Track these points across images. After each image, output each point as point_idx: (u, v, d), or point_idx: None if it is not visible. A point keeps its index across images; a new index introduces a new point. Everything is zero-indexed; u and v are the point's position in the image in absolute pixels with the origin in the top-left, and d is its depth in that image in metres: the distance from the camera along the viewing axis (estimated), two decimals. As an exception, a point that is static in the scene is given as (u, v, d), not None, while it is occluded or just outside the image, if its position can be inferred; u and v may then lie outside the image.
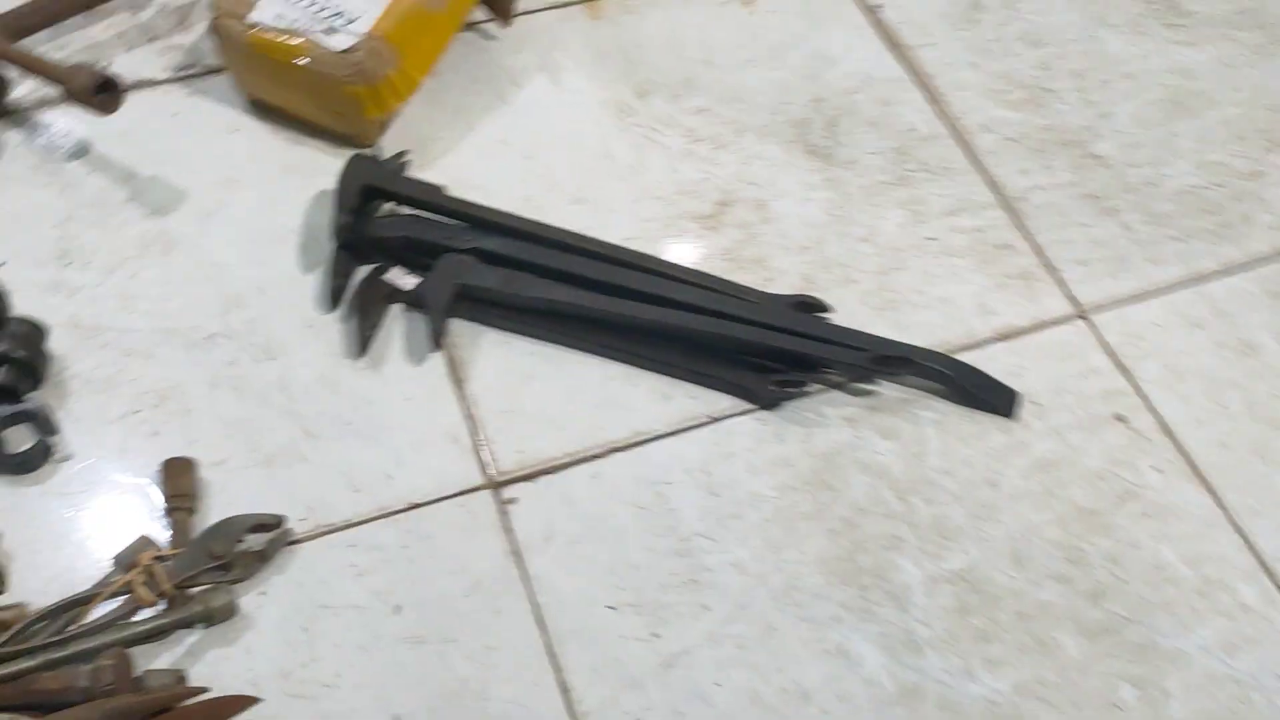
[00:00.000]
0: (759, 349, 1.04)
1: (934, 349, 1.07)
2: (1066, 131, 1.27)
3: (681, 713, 0.89)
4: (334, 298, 1.07)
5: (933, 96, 1.29)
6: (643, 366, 1.06)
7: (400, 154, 1.16)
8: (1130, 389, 1.09)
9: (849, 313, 1.10)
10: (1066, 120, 1.28)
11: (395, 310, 1.08)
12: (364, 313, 1.06)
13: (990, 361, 1.08)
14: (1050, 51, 1.34)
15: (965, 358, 1.08)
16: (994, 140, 1.26)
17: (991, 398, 1.05)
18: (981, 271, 1.15)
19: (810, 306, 1.09)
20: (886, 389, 1.07)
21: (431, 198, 1.11)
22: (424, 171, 1.17)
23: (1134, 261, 1.17)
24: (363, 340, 1.04)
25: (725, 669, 0.91)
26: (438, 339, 1.05)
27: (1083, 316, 1.13)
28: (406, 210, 1.13)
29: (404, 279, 1.08)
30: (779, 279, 1.12)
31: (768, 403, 1.04)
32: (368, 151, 1.17)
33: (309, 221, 1.13)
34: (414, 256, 1.09)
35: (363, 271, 1.09)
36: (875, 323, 1.10)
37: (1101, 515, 1.01)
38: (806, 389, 1.05)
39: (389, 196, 1.12)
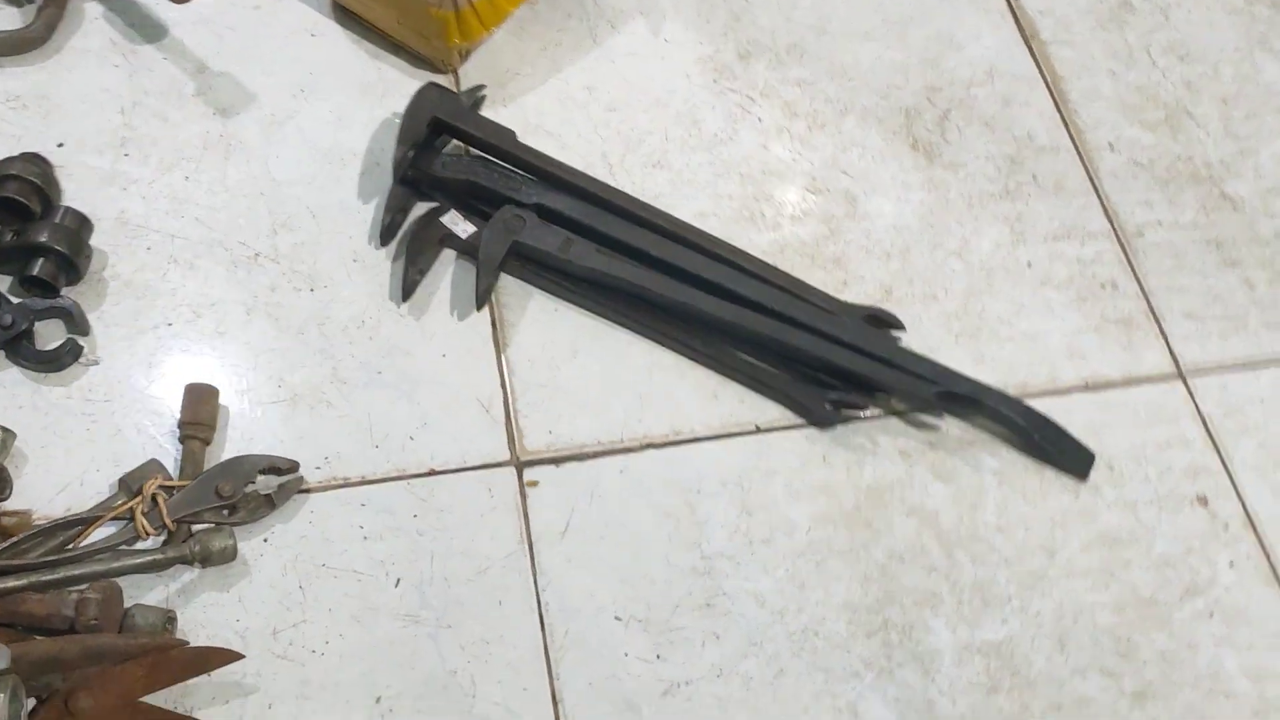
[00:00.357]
0: (821, 363, 0.98)
1: (1009, 392, 0.99)
2: (1201, 164, 1.16)
3: (673, 746, 0.85)
4: (386, 234, 1.02)
5: (1060, 101, 1.18)
6: (693, 359, 1.00)
7: (476, 88, 1.09)
8: (1219, 468, 1.00)
9: (924, 334, 1.03)
10: (1204, 151, 1.17)
11: (447, 257, 1.02)
12: (413, 255, 1.00)
13: (1069, 412, 1.00)
14: (1199, 70, 1.22)
15: (1043, 403, 0.99)
16: (1119, 162, 1.15)
17: (1065, 456, 0.98)
18: (1078, 309, 1.06)
19: (883, 322, 1.02)
20: (950, 425, 0.99)
21: (501, 143, 1.05)
22: (501, 108, 1.10)
23: (1250, 324, 1.08)
24: (408, 284, 0.99)
25: (727, 707, 0.86)
26: (484, 299, 1.00)
27: (1181, 378, 1.04)
28: (474, 152, 1.07)
29: (461, 224, 1.03)
30: (855, 285, 1.05)
31: (821, 421, 0.97)
32: (442, 81, 1.10)
33: (375, 147, 1.07)
34: (475, 203, 1.03)
35: (420, 210, 1.03)
36: (952, 350, 1.02)
37: (1163, 607, 0.93)
38: (864, 412, 0.98)
39: (458, 135, 1.06)
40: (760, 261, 1.02)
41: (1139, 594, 0.94)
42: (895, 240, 1.08)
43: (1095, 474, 0.98)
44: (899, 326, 1.02)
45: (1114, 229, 1.12)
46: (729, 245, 1.03)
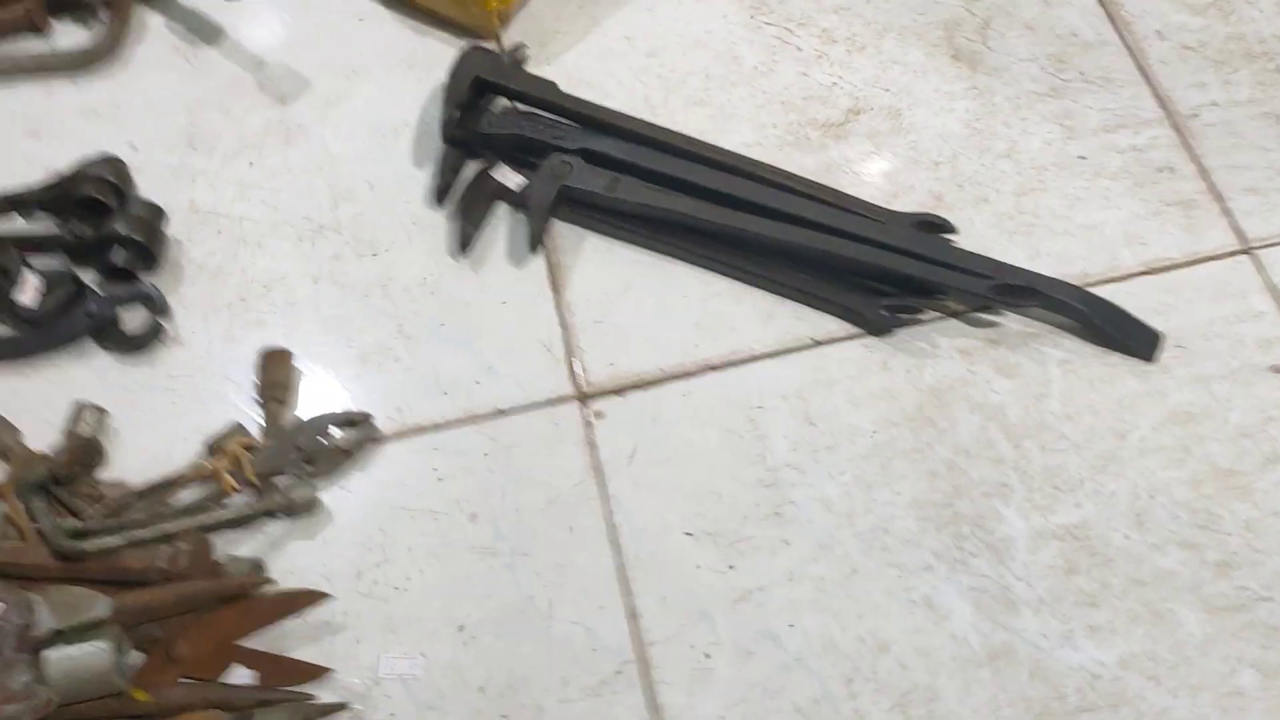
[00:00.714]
0: (873, 270, 0.97)
1: (1068, 280, 0.97)
2: (1255, 41, 1.12)
3: (750, 651, 0.85)
4: (440, 194, 1.05)
5: (1104, -3, 1.16)
6: (748, 282, 1.01)
7: (517, 47, 1.12)
8: (1294, 338, 0.97)
9: (978, 236, 1.02)
10: (1257, 29, 1.13)
11: (501, 210, 1.05)
12: (468, 211, 1.03)
13: (1133, 297, 0.98)
14: (1246, -51, 1.19)
15: (1105, 291, 0.98)
16: (1167, 48, 1.12)
17: (1129, 338, 0.95)
18: (1135, 196, 1.04)
19: (934, 226, 1.01)
20: (1010, 321, 0.98)
21: (544, 94, 1.07)
22: (545, 67, 1.13)
23: (1317, 194, 1.04)
24: (464, 238, 1.02)
25: (800, 610, 0.86)
26: (536, 242, 1.02)
27: (1247, 252, 1.01)
28: (520, 107, 1.09)
29: (512, 177, 1.05)
30: (905, 195, 1.04)
31: (877, 328, 0.97)
32: (483, 44, 1.13)
33: (425, 116, 1.10)
34: (524, 155, 1.06)
35: (472, 168, 1.06)
36: (1007, 248, 1.01)
37: (1242, 477, 0.91)
38: (921, 315, 0.98)
39: (501, 91, 1.08)
40: (806, 180, 1.02)
41: (1217, 466, 0.91)
42: (943, 149, 1.07)
43: (1164, 354, 0.96)
44: (950, 230, 1.00)
45: (1167, 114, 1.09)
46: (773, 168, 1.03)
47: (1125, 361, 0.96)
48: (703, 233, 1.00)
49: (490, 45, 1.14)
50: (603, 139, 1.04)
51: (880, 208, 1.02)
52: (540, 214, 1.01)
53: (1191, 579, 0.87)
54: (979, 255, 0.98)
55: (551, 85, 1.07)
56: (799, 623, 0.86)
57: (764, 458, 0.92)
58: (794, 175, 1.03)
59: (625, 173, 1.02)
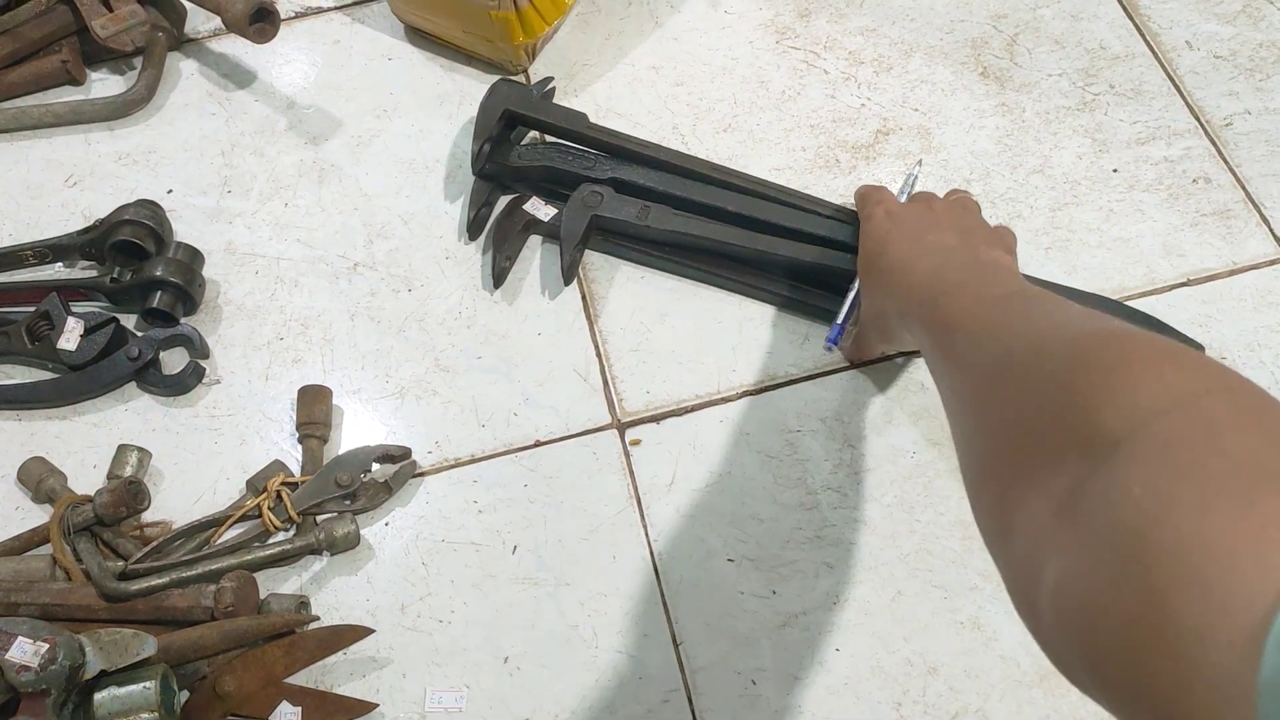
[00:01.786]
0: None
1: (1107, 294, 0.96)
2: (1288, 48, 1.12)
3: (796, 677, 0.84)
4: (473, 228, 1.05)
5: (1130, 9, 1.15)
6: (782, 306, 1.00)
7: (545, 80, 1.12)
8: (1340, 345, 0.95)
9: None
10: (1289, 35, 1.13)
11: (534, 242, 1.05)
12: (500, 243, 1.04)
13: (1171, 309, 0.97)
14: (1274, -44, 1.18)
15: (1143, 304, 0.97)
16: (1198, 59, 1.12)
17: None
18: (1171, 208, 1.03)
19: None
20: (1050, 337, 0.97)
21: (574, 125, 1.07)
22: (574, 99, 1.14)
23: (1358, 198, 1.03)
24: (497, 272, 1.03)
25: (846, 634, 0.86)
26: (570, 274, 1.03)
27: (1289, 260, 1.00)
28: (549, 138, 1.10)
29: (543, 209, 1.05)
30: (938, 214, 1.04)
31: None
32: (512, 77, 1.14)
33: (456, 151, 1.12)
34: (555, 187, 1.06)
35: (503, 201, 1.07)
36: (1043, 263, 1.00)
37: (1291, 488, 0.89)
38: None
39: (530, 123, 1.09)
40: (836, 206, 1.02)
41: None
42: (974, 166, 1.07)
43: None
44: None
45: (1200, 124, 1.08)
46: (803, 194, 1.03)
47: (1167, 374, 0.95)
48: (734, 258, 1.01)
49: (519, 79, 1.15)
50: (632, 168, 1.04)
51: None
52: (573, 246, 1.02)
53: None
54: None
55: (581, 116, 1.08)
56: (845, 646, 0.85)
57: (804, 481, 0.92)
58: (824, 201, 1.03)
59: (656, 201, 1.02)
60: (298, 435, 0.96)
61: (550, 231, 1.05)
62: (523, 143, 1.10)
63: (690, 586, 0.88)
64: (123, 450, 0.95)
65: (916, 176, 1.01)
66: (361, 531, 0.91)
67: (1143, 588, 0.41)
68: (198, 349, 1.01)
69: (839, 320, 0.93)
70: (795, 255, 0.98)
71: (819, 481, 0.92)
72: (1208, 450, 0.43)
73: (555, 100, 1.13)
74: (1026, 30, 1.15)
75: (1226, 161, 1.06)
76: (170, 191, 1.10)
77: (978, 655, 0.84)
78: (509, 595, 0.88)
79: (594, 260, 1.04)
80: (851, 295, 0.93)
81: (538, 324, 1.01)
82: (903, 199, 0.95)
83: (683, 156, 1.05)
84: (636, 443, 0.95)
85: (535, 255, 1.05)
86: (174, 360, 1.00)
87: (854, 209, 0.99)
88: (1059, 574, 0.47)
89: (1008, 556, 0.55)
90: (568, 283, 1.03)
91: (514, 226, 1.05)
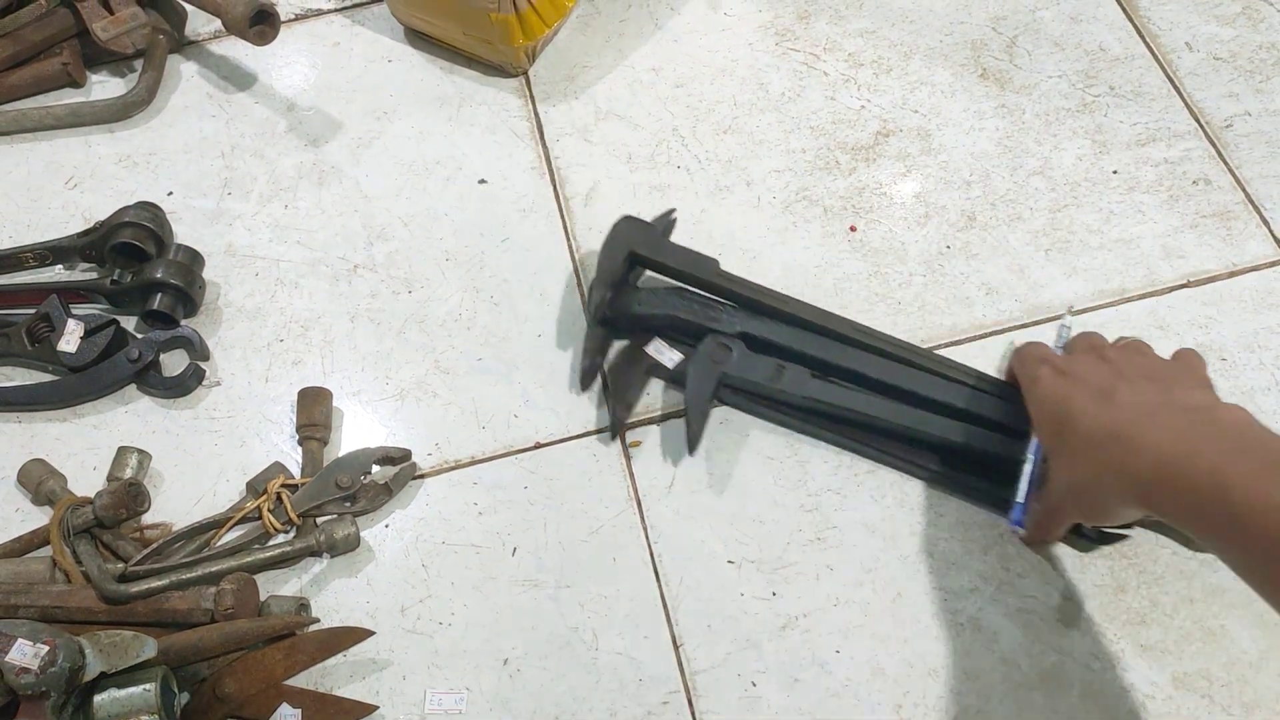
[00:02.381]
0: None
1: (1107, 295, 0.95)
2: (1288, 49, 1.12)
3: (797, 679, 0.84)
4: (586, 378, 0.97)
5: (1130, 11, 1.16)
6: (932, 482, 0.92)
7: (667, 213, 1.02)
8: (1340, 348, 0.95)
9: (1012, 254, 1.01)
10: (1290, 37, 1.13)
11: (655, 386, 0.98)
12: (621, 392, 0.94)
13: (1172, 310, 0.97)
14: (1274, -42, 1.18)
15: (1144, 306, 0.97)
16: (1197, 60, 1.12)
17: None
18: (1171, 209, 1.03)
19: None
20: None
21: (702, 273, 0.96)
22: (573, 100, 1.14)
23: (1358, 202, 1.03)
24: (615, 423, 0.94)
25: (847, 636, 0.85)
26: (695, 443, 0.93)
27: (1289, 262, 1.00)
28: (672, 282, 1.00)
29: (667, 353, 0.96)
30: (937, 216, 1.04)
31: (1083, 548, 0.88)
32: (512, 85, 1.14)
33: (455, 153, 1.11)
34: (675, 335, 0.97)
35: (616, 346, 0.98)
36: (1043, 265, 1.00)
37: (1292, 490, 0.89)
38: (1131, 535, 0.88)
39: (655, 267, 0.99)
40: (993, 379, 0.93)
41: (1266, 479, 0.90)
42: (974, 168, 1.07)
43: (1207, 368, 0.94)
44: None
45: (1200, 126, 1.08)
46: (960, 365, 0.94)
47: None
48: (872, 429, 0.92)
49: (518, 82, 1.15)
50: (764, 321, 0.94)
51: None
52: (701, 412, 0.93)
53: (1244, 594, 0.85)
54: None
55: (711, 262, 0.97)
56: (845, 648, 0.85)
57: (804, 483, 0.92)
58: (980, 373, 0.93)
59: (789, 359, 0.93)
60: (298, 437, 0.96)
61: (673, 378, 0.96)
62: (641, 285, 1.00)
63: (691, 588, 0.88)
64: (123, 452, 0.95)
65: (1069, 326, 0.94)
66: (361, 533, 0.91)
67: None
68: (198, 351, 1.00)
69: (1019, 499, 0.85)
70: (946, 435, 0.89)
71: (819, 483, 0.92)
72: None
73: (555, 101, 1.13)
74: (1026, 32, 1.15)
75: (1226, 163, 1.06)
76: (170, 193, 1.10)
77: (978, 657, 0.84)
78: (509, 597, 0.88)
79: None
80: (1029, 469, 0.85)
81: (538, 325, 1.01)
82: (1059, 352, 0.88)
83: (819, 313, 0.95)
84: (637, 444, 0.94)
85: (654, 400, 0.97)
86: (174, 362, 1.00)
87: (980, 371, 0.92)
88: None
89: None
90: (692, 452, 0.93)
91: (635, 372, 0.96)
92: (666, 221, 1.02)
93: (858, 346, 0.93)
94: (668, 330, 0.97)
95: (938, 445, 0.89)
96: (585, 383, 0.97)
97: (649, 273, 1.01)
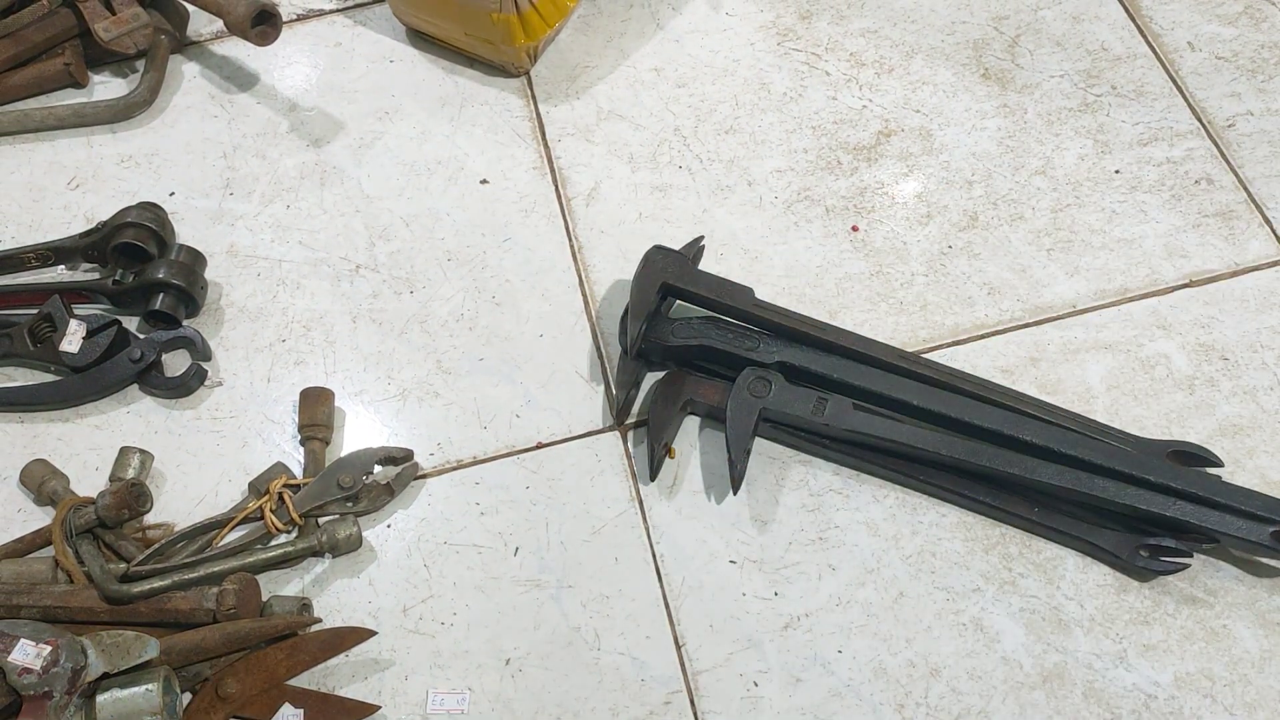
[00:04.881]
0: (1130, 511, 0.85)
1: (1108, 296, 0.95)
2: (1290, 49, 1.12)
3: (799, 679, 0.84)
4: (621, 412, 0.95)
5: (1132, 10, 1.15)
6: (967, 508, 0.90)
7: (695, 241, 1.01)
8: (1342, 347, 0.95)
9: (1014, 253, 1.01)
10: (1291, 36, 1.13)
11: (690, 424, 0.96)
12: (659, 430, 0.92)
13: (1175, 310, 0.97)
14: (1276, -43, 1.18)
15: (1146, 305, 0.97)
16: (1200, 59, 1.12)
17: None
18: (1173, 209, 1.03)
19: (1193, 458, 0.89)
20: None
21: (737, 302, 0.95)
22: (575, 100, 1.13)
23: (1360, 201, 1.03)
24: (655, 463, 0.92)
25: (849, 635, 0.85)
26: (738, 483, 0.90)
27: (1291, 261, 1.00)
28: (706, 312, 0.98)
29: (701, 385, 0.94)
30: (939, 216, 1.04)
31: (1140, 575, 0.87)
32: (514, 85, 1.14)
33: (456, 153, 1.11)
34: (709, 365, 0.95)
35: (652, 378, 0.97)
36: (1045, 265, 1.00)
37: (1295, 491, 0.89)
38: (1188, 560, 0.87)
39: (688, 297, 0.97)
40: (1035, 400, 0.91)
41: (1266, 478, 0.90)
42: (976, 167, 1.07)
43: (1208, 367, 0.95)
44: (1215, 462, 0.89)
45: (1202, 125, 1.08)
46: (1000, 387, 0.92)
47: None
48: (915, 459, 0.90)
49: (520, 82, 1.15)
50: (802, 350, 0.92)
51: (1127, 434, 0.91)
52: (743, 450, 0.90)
53: (1246, 595, 0.85)
54: (1254, 492, 0.86)
55: (746, 291, 0.95)
56: (847, 648, 0.85)
57: (806, 483, 0.92)
58: (1023, 395, 0.92)
59: (830, 389, 0.91)
60: (300, 437, 0.96)
61: (710, 413, 0.94)
62: (674, 316, 0.98)
63: (693, 588, 0.88)
64: (125, 452, 0.95)
65: None
66: (363, 533, 0.91)
67: None
68: (200, 351, 1.00)
69: None
70: (1000, 467, 0.86)
71: (821, 484, 0.91)
72: None
73: (556, 102, 1.13)
74: (1028, 32, 1.15)
75: (1229, 163, 1.06)
76: (172, 194, 1.10)
77: (980, 657, 0.84)
78: (511, 597, 0.88)
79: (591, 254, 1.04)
80: None
81: (540, 326, 1.01)
82: None
83: (860, 340, 0.93)
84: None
85: (692, 442, 0.95)
86: (176, 362, 1.00)
87: (1061, 409, 0.89)
88: None
89: None
90: (735, 492, 0.91)
91: (672, 409, 0.93)
92: (696, 249, 0.99)
93: (900, 373, 0.90)
94: (701, 360, 0.94)
95: (999, 479, 0.85)
96: (621, 417, 0.95)
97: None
